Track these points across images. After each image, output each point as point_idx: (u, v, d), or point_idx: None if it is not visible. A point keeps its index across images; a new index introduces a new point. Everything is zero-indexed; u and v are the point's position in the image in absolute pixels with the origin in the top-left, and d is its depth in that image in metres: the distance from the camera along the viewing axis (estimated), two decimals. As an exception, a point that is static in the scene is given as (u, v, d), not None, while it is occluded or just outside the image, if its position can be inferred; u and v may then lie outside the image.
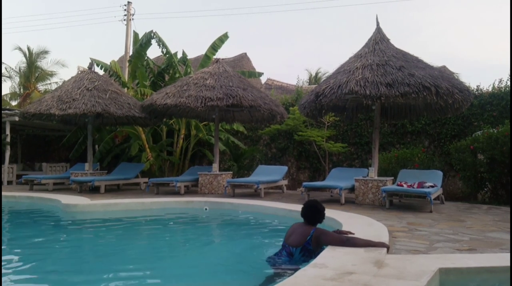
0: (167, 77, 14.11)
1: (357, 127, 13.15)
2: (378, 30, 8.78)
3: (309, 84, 24.09)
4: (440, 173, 8.39)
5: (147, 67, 13.92)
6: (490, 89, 12.09)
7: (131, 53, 14.49)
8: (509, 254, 3.78)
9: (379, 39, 8.54)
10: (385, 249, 3.62)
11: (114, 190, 11.41)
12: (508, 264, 3.23)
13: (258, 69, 16.25)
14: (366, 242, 3.82)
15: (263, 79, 22.06)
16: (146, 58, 13.59)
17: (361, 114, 11.41)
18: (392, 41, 8.66)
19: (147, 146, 13.48)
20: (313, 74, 28.07)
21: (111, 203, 7.91)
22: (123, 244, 5.48)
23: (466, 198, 9.73)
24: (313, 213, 3.98)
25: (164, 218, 7.46)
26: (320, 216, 4.01)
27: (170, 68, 13.50)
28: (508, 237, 4.67)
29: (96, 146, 14.58)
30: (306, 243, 3.74)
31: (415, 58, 8.20)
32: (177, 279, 3.87)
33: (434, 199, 7.29)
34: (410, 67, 7.69)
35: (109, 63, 13.86)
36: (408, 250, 3.91)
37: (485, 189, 9.19)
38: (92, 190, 10.66)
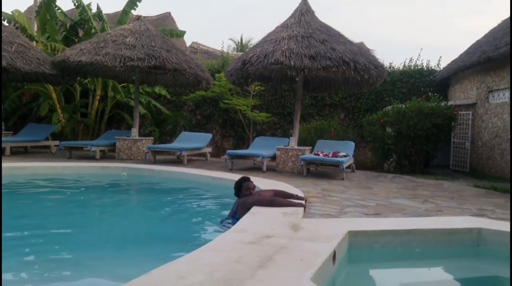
0: (81, 33, 12.94)
1: (281, 98, 13.43)
2: (304, 1, 8.86)
3: (236, 51, 23.84)
4: (352, 144, 8.94)
5: (58, 20, 12.62)
6: (401, 67, 13.02)
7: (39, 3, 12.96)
8: (410, 217, 4.19)
9: (305, 11, 8.64)
10: (301, 214, 3.80)
11: (21, 152, 10.46)
12: (410, 227, 3.58)
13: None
14: (289, 202, 4.18)
15: (188, 42, 21.32)
16: (56, 9, 12.27)
17: (285, 85, 11.63)
18: (317, 14, 8.83)
19: (58, 106, 12.43)
20: (240, 41, 27.81)
21: (17, 167, 7.23)
22: (34, 211, 5.07)
23: (374, 167, 10.57)
24: (234, 188, 4.41)
25: (77, 184, 7.00)
26: (237, 189, 4.37)
27: (84, 23, 12.36)
28: (409, 202, 5.17)
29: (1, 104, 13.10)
30: (234, 213, 4.08)
31: (337, 32, 8.47)
32: (89, 249, 3.69)
33: (346, 168, 7.79)
34: (332, 41, 7.93)
35: (11, 14, 12.30)
36: (322, 214, 4.16)
37: (391, 159, 10.04)
38: (-6, 152, 9.65)
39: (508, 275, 2.90)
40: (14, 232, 4.04)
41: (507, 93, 9.00)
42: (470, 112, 10.32)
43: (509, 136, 8.60)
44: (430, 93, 11.84)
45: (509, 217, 4.28)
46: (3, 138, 9.69)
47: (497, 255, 3.39)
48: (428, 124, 8.84)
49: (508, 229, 3.45)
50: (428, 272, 3.47)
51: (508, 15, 9.43)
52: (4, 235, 3.95)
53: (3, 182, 6.48)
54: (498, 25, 10.90)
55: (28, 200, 5.65)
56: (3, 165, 7.22)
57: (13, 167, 7.17)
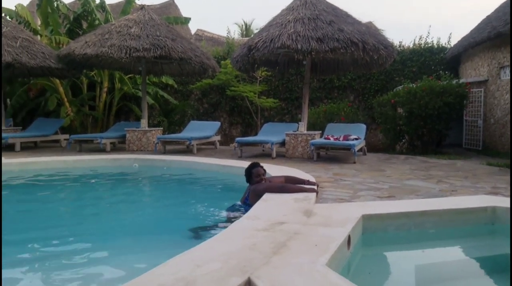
0: (85, 25, 12.88)
1: (288, 83, 13.30)
2: (310, -18, 8.67)
3: (242, 37, 23.62)
4: (363, 126, 8.84)
5: (61, 13, 12.56)
6: (411, 45, 12.76)
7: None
8: (424, 199, 4.13)
9: (310, -8, 8.46)
10: (313, 199, 3.76)
11: (31, 147, 10.55)
12: (424, 208, 3.52)
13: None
14: (299, 188, 4.10)
15: (192, 30, 21.17)
16: (57, 2, 12.20)
17: (292, 69, 11.51)
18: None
19: (66, 99, 12.48)
20: (245, 26, 27.52)
21: (28, 162, 7.28)
22: (47, 205, 5.11)
23: (386, 149, 10.47)
24: (245, 174, 4.36)
25: (89, 177, 7.04)
26: (247, 176, 4.33)
27: (87, 14, 12.30)
28: (423, 184, 5.10)
29: (8, 100, 13.18)
30: (245, 199, 4.08)
31: (344, 13, 8.30)
32: (104, 239, 3.71)
33: (358, 151, 7.70)
34: (339, 22, 7.77)
35: (14, 9, 12.27)
36: (334, 199, 4.11)
37: (403, 140, 9.92)
38: (6, 148, 9.75)
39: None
40: (29, 224, 4.09)
41: (520, 69, 8.78)
42: (482, 89, 10.11)
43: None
44: (441, 71, 11.62)
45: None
46: (13, 134, 9.78)
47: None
48: (440, 103, 8.68)
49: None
50: (443, 252, 3.43)
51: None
52: (19, 227, 4.00)
53: (16, 177, 6.58)
54: (508, -1, 10.58)
55: (41, 194, 5.70)
56: (15, 160, 7.29)
57: (24, 162, 7.23)
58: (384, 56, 7.96)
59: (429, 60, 12.38)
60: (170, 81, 13.63)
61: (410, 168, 6.62)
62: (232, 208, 4.15)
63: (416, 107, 8.87)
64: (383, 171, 6.35)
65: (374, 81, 12.62)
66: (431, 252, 3.38)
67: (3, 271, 2.63)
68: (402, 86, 9.90)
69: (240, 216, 3.78)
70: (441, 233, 3.41)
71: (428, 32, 16.33)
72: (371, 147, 10.82)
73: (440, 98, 8.72)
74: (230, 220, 3.87)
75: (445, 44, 12.62)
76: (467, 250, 3.47)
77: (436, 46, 12.54)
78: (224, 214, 4.11)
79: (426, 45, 12.58)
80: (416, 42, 12.87)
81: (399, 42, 12.79)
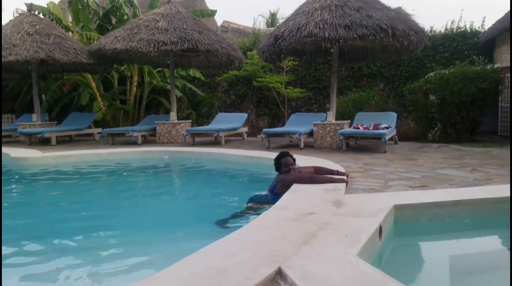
0: (114, 20, 13.16)
1: (315, 72, 13.14)
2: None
3: (267, 27, 23.46)
4: (394, 115, 8.65)
5: (90, 9, 12.87)
6: (442, 30, 12.32)
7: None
8: (457, 188, 4.02)
9: (337, -21, 8.28)
10: (343, 190, 3.73)
11: (66, 141, 10.93)
12: (458, 198, 3.43)
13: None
14: (328, 178, 4.06)
15: (218, 21, 21.18)
16: None
17: (319, 58, 11.35)
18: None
19: (98, 94, 12.83)
20: (271, 15, 27.30)
21: (64, 155, 7.57)
22: (82, 196, 5.31)
23: (418, 138, 10.21)
24: (274, 164, 4.34)
25: (123, 169, 7.26)
26: (276, 165, 4.31)
27: (116, 10, 12.54)
28: (457, 172, 4.95)
29: (43, 95, 13.70)
30: (273, 187, 4.09)
31: (372, -2, 8.09)
32: (138, 230, 3.83)
33: (388, 140, 7.56)
34: (368, 8, 7.59)
35: (46, 6, 12.65)
36: (365, 189, 4.06)
37: (436, 129, 9.64)
38: (42, 142, 10.16)
39: None
40: (67, 215, 4.26)
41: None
42: (519, 74, 9.66)
43: None
44: (474, 56, 11.17)
45: None
46: (48, 129, 10.16)
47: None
48: (474, 89, 8.37)
49: None
50: (478, 243, 3.34)
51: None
52: (58, 217, 4.18)
53: (53, 169, 6.86)
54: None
55: (75, 186, 5.92)
56: (52, 153, 7.59)
57: (61, 155, 7.52)
58: (414, 42, 7.72)
59: (461, 45, 11.92)
60: (197, 74, 13.76)
61: (443, 157, 6.43)
62: (256, 197, 4.17)
63: (448, 94, 8.59)
64: (415, 160, 6.21)
65: (404, 68, 12.29)
66: (466, 243, 3.30)
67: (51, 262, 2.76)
68: (434, 72, 9.59)
69: (265, 206, 3.81)
70: (476, 223, 3.32)
71: (461, 16, 15.77)
72: (402, 136, 10.58)
73: (474, 84, 8.40)
74: (254, 209, 3.92)
75: (479, 28, 12.10)
76: (503, 240, 3.36)
77: (469, 31, 12.05)
78: (249, 203, 4.14)
79: (459, 30, 12.10)
80: (448, 27, 12.42)
81: (430, 27, 12.37)
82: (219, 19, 20.26)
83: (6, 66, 10.64)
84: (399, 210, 3.17)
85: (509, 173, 4.81)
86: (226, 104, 14.23)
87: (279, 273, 1.95)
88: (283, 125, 11.24)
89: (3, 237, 3.53)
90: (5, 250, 3.12)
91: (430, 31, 12.19)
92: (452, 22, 12.38)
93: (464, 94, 8.42)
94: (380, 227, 2.70)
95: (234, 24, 20.50)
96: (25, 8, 11.15)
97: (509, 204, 3.31)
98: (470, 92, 8.38)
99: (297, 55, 10.09)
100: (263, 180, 5.02)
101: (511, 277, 2.34)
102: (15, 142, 10.71)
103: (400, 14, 8.01)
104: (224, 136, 9.44)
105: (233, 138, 10.88)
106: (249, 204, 4.09)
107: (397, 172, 5.08)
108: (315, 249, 2.24)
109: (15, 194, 5.49)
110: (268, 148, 8.16)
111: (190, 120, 11.17)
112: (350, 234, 2.47)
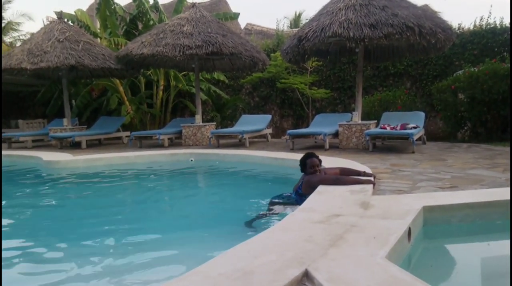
0: (140, 26, 13.45)
1: (339, 72, 13.02)
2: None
3: (290, 28, 23.41)
4: (422, 114, 8.47)
5: (118, 15, 13.20)
6: (471, 27, 11.97)
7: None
8: (489, 189, 3.90)
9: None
10: (370, 191, 3.68)
11: (95, 145, 11.24)
12: (489, 198, 3.33)
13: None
14: (355, 180, 4.02)
15: (242, 24, 21.31)
16: (114, 5, 12.81)
17: (344, 58, 11.25)
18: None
19: (125, 98, 13.14)
20: (295, 17, 27.21)
21: (94, 158, 7.79)
22: (112, 198, 5.46)
23: (447, 138, 9.95)
24: (300, 164, 4.32)
25: (150, 171, 7.41)
26: (302, 166, 4.28)
27: (142, 15, 12.82)
28: (488, 173, 4.81)
29: (73, 101, 14.14)
30: (298, 188, 4.09)
31: (398, -3, 7.95)
32: (166, 231, 3.90)
33: (416, 140, 7.40)
34: (393, 7, 7.48)
35: (74, 14, 13.05)
36: (392, 191, 3.99)
37: (465, 128, 9.38)
38: (73, 146, 10.48)
39: None
40: (95, 216, 4.39)
41: None
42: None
43: None
44: (505, 53, 10.79)
45: None
46: (79, 133, 10.48)
47: None
48: (505, 87, 8.09)
49: None
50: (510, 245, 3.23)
51: None
52: (85, 220, 4.30)
53: (84, 172, 7.07)
54: None
55: (106, 188, 6.09)
56: (82, 156, 7.83)
57: (91, 158, 7.74)
58: (442, 40, 7.54)
59: (491, 42, 11.53)
60: (222, 77, 13.89)
61: (474, 157, 6.25)
62: (279, 197, 4.17)
63: (478, 93, 8.34)
64: (444, 160, 6.06)
65: (432, 66, 12.00)
66: (498, 245, 3.19)
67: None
68: (463, 70, 9.33)
69: (289, 207, 3.81)
70: (508, 224, 3.21)
71: (490, 12, 15.21)
72: (431, 136, 10.33)
73: (504, 81, 8.12)
74: (277, 210, 3.93)
75: (509, 24, 11.67)
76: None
77: (499, 27, 11.64)
78: (271, 203, 4.14)
79: (488, 26, 11.72)
80: (477, 23, 12.03)
81: (458, 24, 12.04)
82: (242, 22, 20.35)
83: (37, 72, 11.03)
84: (429, 212, 3.11)
85: (545, 173, 4.63)
86: (250, 106, 14.28)
87: (306, 275, 1.95)
88: (307, 126, 11.17)
89: (28, 237, 3.68)
90: (38, 250, 3.25)
91: (458, 28, 11.86)
92: (481, 19, 11.99)
93: (495, 92, 8.17)
94: (409, 229, 2.66)
95: (258, 26, 20.58)
96: (55, 16, 11.54)
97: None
98: (501, 90, 8.12)
99: (321, 55, 10.03)
100: (288, 181, 5.02)
101: (511, 277, 2.28)
102: (47, 146, 11.09)
103: (427, 12, 7.84)
104: (248, 138, 9.47)
105: (257, 140, 10.91)
106: (272, 204, 4.10)
107: (426, 173, 4.97)
108: (343, 251, 2.23)
109: (48, 195, 5.70)
110: (292, 149, 8.15)
111: (215, 123, 11.28)
112: (378, 236, 2.45)
